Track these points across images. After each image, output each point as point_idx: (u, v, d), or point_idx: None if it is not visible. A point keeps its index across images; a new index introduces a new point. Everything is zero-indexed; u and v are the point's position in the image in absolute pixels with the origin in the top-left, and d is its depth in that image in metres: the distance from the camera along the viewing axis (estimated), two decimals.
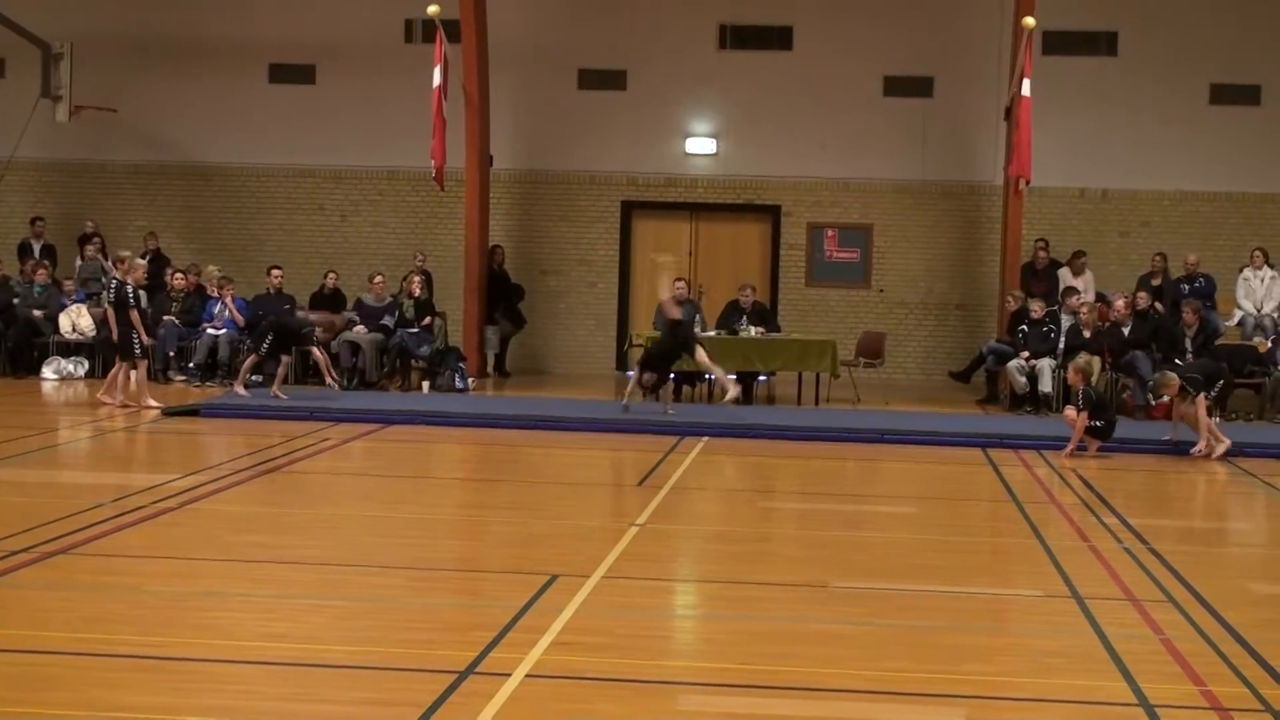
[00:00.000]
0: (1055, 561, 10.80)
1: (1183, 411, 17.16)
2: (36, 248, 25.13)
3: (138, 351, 19.01)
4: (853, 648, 8.21)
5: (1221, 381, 17.21)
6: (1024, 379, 20.86)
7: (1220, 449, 16.71)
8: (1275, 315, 22.40)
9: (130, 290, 19.09)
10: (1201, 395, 16.78)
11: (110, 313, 19.27)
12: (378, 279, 22.88)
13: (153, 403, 18.82)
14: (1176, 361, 19.88)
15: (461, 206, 24.44)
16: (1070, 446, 16.93)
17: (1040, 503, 13.75)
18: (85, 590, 9.05)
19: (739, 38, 26.09)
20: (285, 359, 19.78)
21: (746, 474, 15.96)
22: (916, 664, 7.90)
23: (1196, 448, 16.75)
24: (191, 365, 22.24)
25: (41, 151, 26.15)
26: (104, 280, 21.38)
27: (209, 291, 23.00)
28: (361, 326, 22.26)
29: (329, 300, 23.42)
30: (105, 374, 19.86)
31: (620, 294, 26.41)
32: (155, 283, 23.74)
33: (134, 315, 18.98)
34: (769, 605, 9.34)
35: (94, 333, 23.07)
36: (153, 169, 26.81)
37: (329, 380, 19.69)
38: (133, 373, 19.06)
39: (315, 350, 19.93)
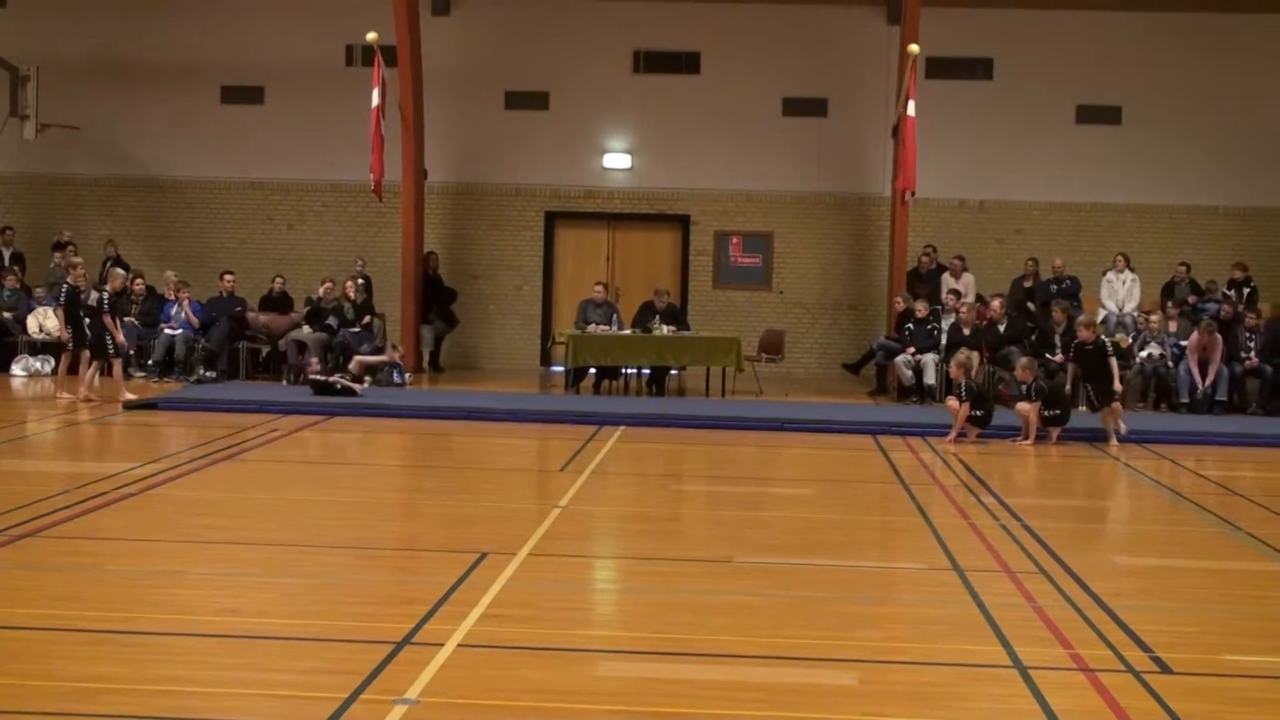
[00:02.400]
0: (938, 537, 10.87)
1: (1019, 407, 17.33)
2: (6, 255, 24.84)
3: (111, 351, 18.86)
4: (755, 617, 8.23)
5: (1059, 412, 17.28)
6: (910, 372, 20.99)
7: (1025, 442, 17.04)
8: (1135, 314, 22.60)
9: (107, 298, 18.96)
10: (1039, 403, 17.00)
11: (60, 314, 19.20)
12: (327, 284, 22.73)
13: (129, 395, 18.74)
14: (1048, 356, 20.06)
15: (399, 216, 24.31)
16: (952, 434, 17.05)
17: (925, 484, 13.82)
18: (51, 570, 8.95)
19: (651, 62, 26.09)
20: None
21: (659, 460, 15.97)
22: (813, 631, 7.93)
23: (1020, 438, 17.11)
24: (150, 363, 22.04)
25: (10, 166, 25.88)
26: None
27: (166, 295, 22.80)
28: (308, 326, 22.15)
29: (277, 303, 23.33)
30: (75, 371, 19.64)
31: (544, 296, 26.35)
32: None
33: (107, 320, 18.82)
34: (679, 579, 9.35)
35: (59, 333, 22.83)
36: (113, 182, 26.52)
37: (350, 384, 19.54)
38: (115, 368, 18.94)
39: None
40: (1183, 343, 20.89)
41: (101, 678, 6.64)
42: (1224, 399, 20.40)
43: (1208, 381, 20.37)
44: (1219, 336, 20.62)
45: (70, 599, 8.20)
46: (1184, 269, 23.58)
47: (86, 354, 19.11)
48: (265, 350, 22.95)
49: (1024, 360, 17.97)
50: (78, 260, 20.07)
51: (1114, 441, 17.05)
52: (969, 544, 10.60)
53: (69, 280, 19.42)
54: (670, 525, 11.84)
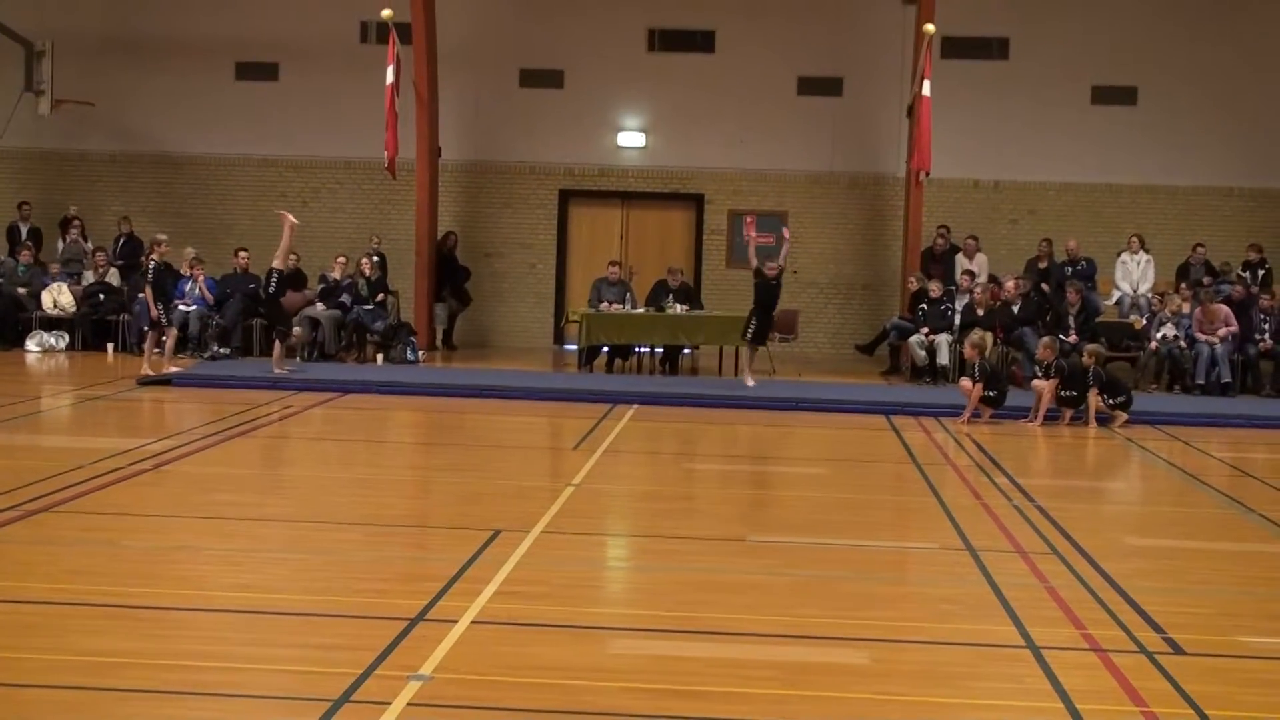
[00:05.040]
0: (951, 517, 10.87)
1: (1035, 384, 17.42)
2: (24, 230, 24.90)
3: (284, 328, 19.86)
4: (768, 596, 8.24)
5: (1075, 393, 17.31)
6: (923, 352, 20.97)
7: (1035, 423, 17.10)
8: (1149, 295, 22.56)
9: (276, 276, 19.78)
10: (1057, 381, 17.10)
11: (149, 291, 19.29)
12: (341, 260, 22.82)
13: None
14: (1062, 337, 20.00)
15: (413, 194, 24.32)
16: (966, 414, 17.05)
17: (938, 464, 13.83)
18: (66, 545, 8.98)
19: (666, 41, 26.04)
20: (278, 343, 19.53)
21: (672, 438, 15.97)
22: (826, 610, 7.95)
23: (1029, 419, 17.17)
24: (163, 338, 22.06)
25: (25, 142, 25.83)
26: (143, 262, 21.10)
27: (182, 271, 22.79)
28: (321, 304, 22.19)
29: (291, 279, 23.23)
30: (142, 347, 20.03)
31: (558, 275, 26.34)
32: (130, 263, 23.65)
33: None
34: (692, 557, 9.36)
35: (74, 309, 22.91)
36: (127, 158, 26.54)
37: (278, 369, 19.37)
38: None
39: (276, 343, 19.68)
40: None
41: (117, 652, 6.67)
42: (1229, 380, 20.33)
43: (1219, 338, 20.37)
44: (1222, 307, 20.63)
45: (85, 574, 8.22)
46: (1199, 250, 23.52)
47: (174, 331, 19.80)
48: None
49: (1045, 339, 17.99)
50: (163, 237, 20.09)
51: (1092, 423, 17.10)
52: (982, 524, 10.61)
53: (154, 257, 19.48)
54: (683, 504, 11.84)
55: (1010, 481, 12.68)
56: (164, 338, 19.27)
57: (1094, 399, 17.08)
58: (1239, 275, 22.69)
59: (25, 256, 23.62)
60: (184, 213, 26.26)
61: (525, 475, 12.92)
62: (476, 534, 9.50)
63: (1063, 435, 16.50)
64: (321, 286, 22.57)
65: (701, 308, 22.52)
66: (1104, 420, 17.07)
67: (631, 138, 26.14)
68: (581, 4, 25.93)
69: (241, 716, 6.03)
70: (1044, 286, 22.45)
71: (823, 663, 6.97)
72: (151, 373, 18.66)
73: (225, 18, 26.05)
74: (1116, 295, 23.21)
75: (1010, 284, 21.44)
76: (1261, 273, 22.87)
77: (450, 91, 24.90)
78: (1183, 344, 20.72)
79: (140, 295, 22.03)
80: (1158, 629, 7.64)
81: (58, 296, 22.96)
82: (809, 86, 25.76)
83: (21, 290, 23.09)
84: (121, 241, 24.57)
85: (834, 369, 22.89)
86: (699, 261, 26.04)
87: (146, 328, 19.94)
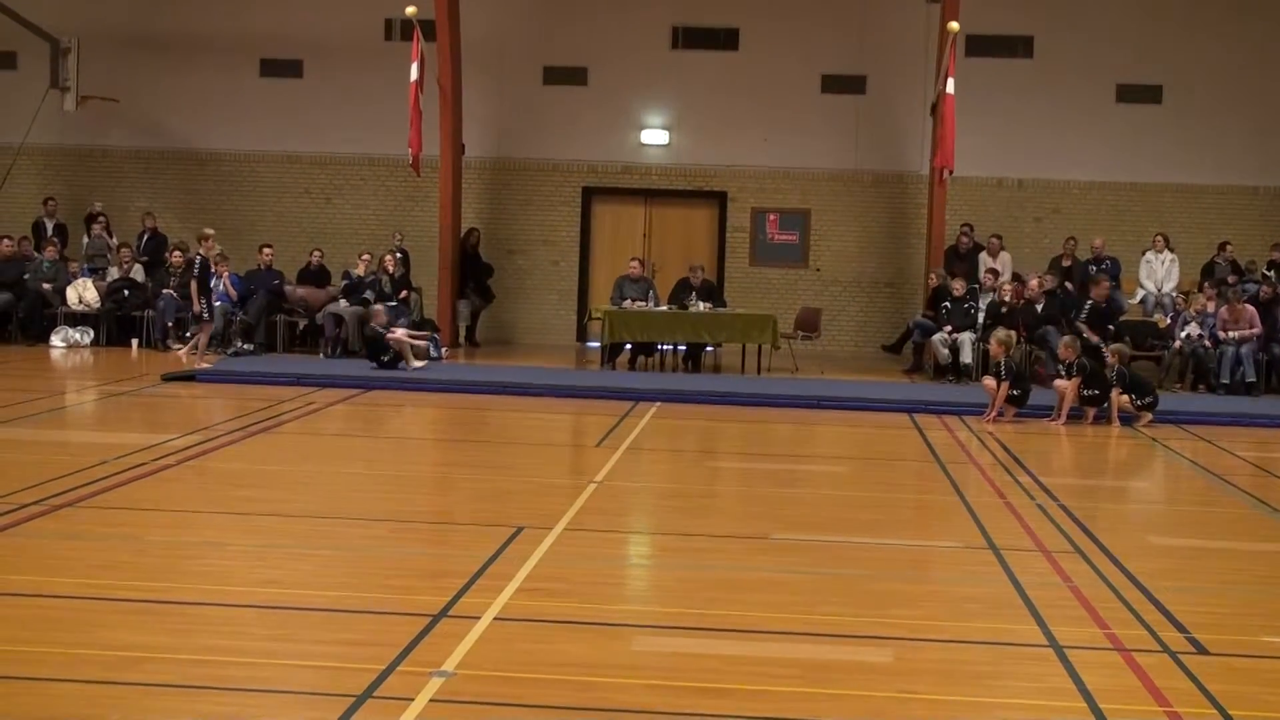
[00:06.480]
0: (974, 516, 10.84)
1: (1057, 384, 17.38)
2: (49, 226, 25.00)
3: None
4: (791, 594, 8.23)
5: (1098, 392, 17.22)
6: (947, 351, 20.95)
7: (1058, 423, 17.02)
8: (1174, 294, 22.51)
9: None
10: (1079, 380, 17.00)
11: (194, 285, 19.45)
12: (365, 257, 22.85)
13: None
14: (1086, 335, 19.92)
15: (436, 191, 24.37)
16: (991, 412, 17.01)
17: (961, 463, 13.80)
18: (91, 540, 9.00)
19: (690, 38, 26.04)
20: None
21: (694, 436, 15.96)
22: (848, 609, 7.93)
23: (1052, 418, 17.12)
24: (188, 335, 22.13)
25: (50, 138, 25.98)
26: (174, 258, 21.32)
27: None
28: (344, 300, 22.23)
29: (315, 276, 23.43)
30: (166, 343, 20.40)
31: (580, 272, 26.38)
32: (155, 259, 23.72)
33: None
34: (715, 555, 9.36)
35: (99, 305, 22.99)
36: (152, 154, 26.63)
37: (416, 362, 19.67)
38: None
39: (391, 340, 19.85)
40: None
41: (141, 647, 6.69)
42: (1253, 379, 20.24)
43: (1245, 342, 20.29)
44: (1249, 307, 20.56)
45: (110, 568, 8.25)
46: (1226, 250, 23.44)
47: (212, 324, 20.08)
48: (303, 324, 23.06)
49: (1066, 338, 17.94)
50: (210, 231, 20.21)
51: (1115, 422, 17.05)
52: (1005, 523, 10.59)
53: (200, 252, 19.62)
54: (706, 501, 11.84)
55: (1033, 480, 12.65)
56: (199, 333, 19.50)
57: (1117, 398, 17.03)
58: (1264, 274, 22.61)
59: (50, 252, 23.68)
60: (208, 209, 26.31)
61: (548, 472, 12.93)
62: (499, 530, 9.50)
63: (1086, 434, 16.47)
64: (345, 283, 22.61)
65: (724, 305, 22.53)
66: (1128, 419, 17.03)
67: (655, 135, 26.16)
68: (605, 1, 25.96)
69: (265, 711, 6.03)
70: (1068, 285, 22.40)
71: (845, 661, 6.97)
72: (205, 364, 18.94)
73: (250, 15, 26.13)
74: (1140, 294, 23.15)
75: (1034, 282, 21.40)
76: None
77: (474, 88, 24.93)
78: (1207, 343, 20.65)
79: (165, 290, 22.18)
80: (1181, 628, 7.61)
81: (83, 292, 23.05)
82: (833, 84, 25.75)
83: (47, 286, 23.15)
84: (146, 237, 24.63)
85: (856, 367, 22.87)
86: (721, 259, 26.05)
87: (188, 316, 20.20)
